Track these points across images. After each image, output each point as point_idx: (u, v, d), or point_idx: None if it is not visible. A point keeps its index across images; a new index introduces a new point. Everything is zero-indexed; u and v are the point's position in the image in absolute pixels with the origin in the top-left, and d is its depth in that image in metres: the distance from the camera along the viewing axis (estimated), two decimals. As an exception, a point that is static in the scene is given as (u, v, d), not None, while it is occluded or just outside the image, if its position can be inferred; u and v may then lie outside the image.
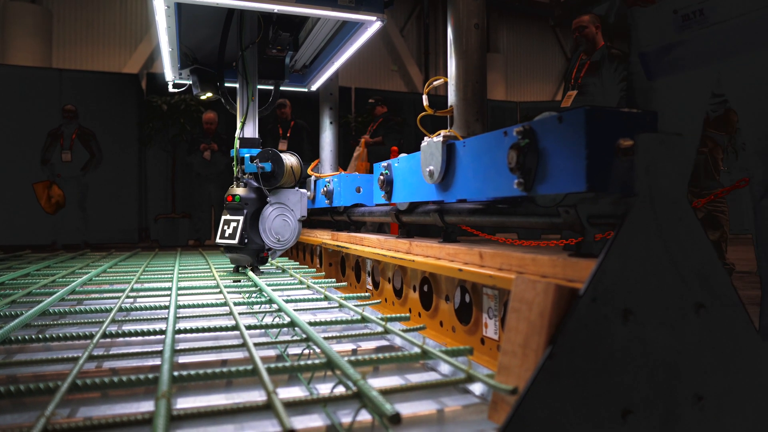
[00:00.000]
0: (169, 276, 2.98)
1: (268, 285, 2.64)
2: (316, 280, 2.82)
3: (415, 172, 2.02)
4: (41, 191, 8.01)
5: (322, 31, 2.87)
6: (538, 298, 1.09)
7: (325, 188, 3.26)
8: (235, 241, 2.62)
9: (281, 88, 3.31)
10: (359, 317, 1.82)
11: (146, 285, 2.71)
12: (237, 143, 2.75)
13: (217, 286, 2.56)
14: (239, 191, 2.68)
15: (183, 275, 3.00)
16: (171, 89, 3.36)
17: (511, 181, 1.39)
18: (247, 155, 2.69)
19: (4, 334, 1.51)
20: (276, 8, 2.16)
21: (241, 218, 2.63)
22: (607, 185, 1.18)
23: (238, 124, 2.78)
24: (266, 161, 2.65)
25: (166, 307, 2.03)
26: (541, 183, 1.31)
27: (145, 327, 1.65)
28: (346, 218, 3.19)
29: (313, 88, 3.65)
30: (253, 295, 2.42)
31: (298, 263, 3.70)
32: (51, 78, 9.37)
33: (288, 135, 7.49)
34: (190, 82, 3.14)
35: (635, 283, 1.10)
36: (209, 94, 3.02)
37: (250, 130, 2.80)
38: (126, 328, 1.79)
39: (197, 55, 3.15)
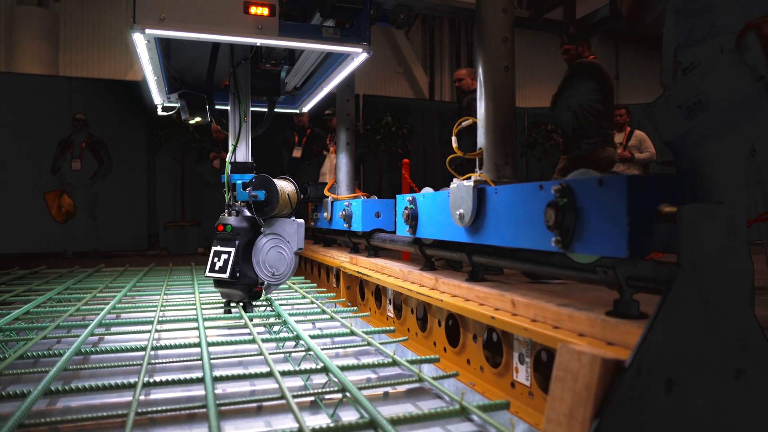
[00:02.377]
0: (191, 302, 3.01)
1: (291, 315, 2.66)
2: (339, 309, 2.84)
3: (442, 210, 2.04)
4: (52, 200, 8.07)
5: (312, 56, 2.83)
6: (583, 370, 1.10)
7: (343, 212, 3.28)
8: (226, 275, 2.46)
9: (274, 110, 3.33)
10: (390, 360, 1.84)
11: (170, 311, 2.74)
12: (228, 168, 2.62)
13: (241, 317, 2.59)
14: (231, 220, 2.54)
15: (204, 301, 3.03)
16: (160, 113, 3.32)
17: (548, 236, 1.40)
18: (239, 181, 2.55)
19: (45, 387, 1.53)
20: (259, 42, 2.08)
21: (232, 250, 2.47)
22: (648, 251, 1.20)
23: (230, 148, 2.65)
24: (260, 189, 2.50)
25: (197, 344, 2.05)
26: (579, 242, 1.32)
27: (180, 376, 1.67)
28: (365, 241, 3.21)
29: (305, 109, 3.66)
30: (280, 329, 2.44)
31: (315, 285, 3.73)
32: (60, 86, 9.40)
33: (303, 142, 7.52)
34: (179, 106, 3.09)
35: (678, 352, 1.11)
36: (198, 119, 3.00)
37: (243, 154, 2.67)
38: (161, 377, 1.81)
39: (185, 78, 3.07)
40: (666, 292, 1.11)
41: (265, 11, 1.97)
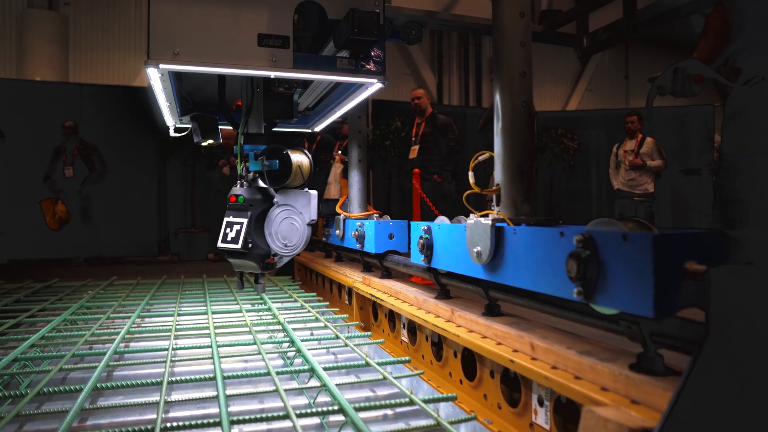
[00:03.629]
0: (205, 323, 3.00)
1: (305, 341, 2.65)
2: (352, 334, 2.83)
3: (458, 244, 2.02)
4: (47, 208, 8.18)
5: (325, 81, 2.77)
6: (610, 437, 1.08)
7: (356, 231, 3.26)
8: (238, 246, 2.39)
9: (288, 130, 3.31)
10: (407, 399, 1.82)
11: (184, 333, 2.74)
12: (240, 139, 2.55)
13: (254, 343, 2.58)
14: (243, 191, 2.48)
15: (218, 323, 3.03)
16: (172, 134, 3.29)
17: (569, 285, 1.38)
18: (251, 152, 2.51)
19: (68, 425, 1.53)
20: (273, 74, 2.06)
21: (245, 220, 2.41)
22: (675, 310, 1.17)
23: (243, 116, 2.57)
24: (273, 158, 2.46)
25: (213, 378, 2.04)
26: (602, 295, 1.30)
27: (196, 412, 1.66)
28: (377, 262, 3.19)
29: (317, 129, 3.64)
30: (294, 356, 2.43)
31: (328, 303, 3.72)
32: (71, 93, 9.46)
33: (313, 149, 7.52)
34: (191, 128, 3.04)
35: (705, 421, 1.09)
36: (210, 141, 2.97)
37: (255, 125, 2.58)
38: (179, 413, 1.80)
39: (196, 99, 3.03)
40: (695, 357, 1.09)
41: (279, 43, 1.96)
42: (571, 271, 1.34)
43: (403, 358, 2.38)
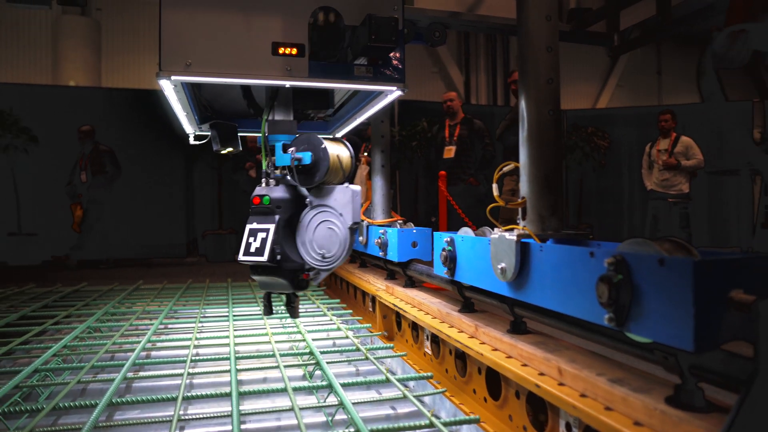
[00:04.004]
0: (225, 332, 2.97)
1: (325, 353, 2.59)
2: (375, 345, 2.76)
3: (482, 258, 1.93)
4: (73, 211, 8.39)
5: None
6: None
7: (379, 240, 3.19)
8: (264, 258, 1.94)
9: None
10: (428, 422, 1.75)
11: (205, 341, 2.71)
12: (265, 127, 2.14)
13: (273, 354, 2.52)
14: (269, 191, 2.06)
15: (238, 331, 2.99)
16: (192, 142, 3.18)
17: (600, 310, 1.28)
18: (278, 143, 2.09)
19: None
20: (288, 83, 1.90)
21: (271, 227, 1.97)
22: (718, 343, 1.07)
23: (268, 102, 2.19)
24: (304, 150, 2.01)
25: (228, 395, 1.99)
26: (636, 323, 1.20)
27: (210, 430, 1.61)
28: (401, 270, 3.12)
29: (339, 134, 3.56)
30: (314, 371, 2.38)
31: (351, 311, 3.66)
32: (100, 97, 9.61)
33: None
34: (210, 135, 2.85)
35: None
36: (230, 149, 2.88)
37: (283, 110, 2.18)
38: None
39: (215, 106, 2.87)
40: (743, 396, 0.99)
41: (294, 51, 1.89)
42: (602, 297, 1.25)
43: (425, 374, 2.30)
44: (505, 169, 1.81)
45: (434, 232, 2.34)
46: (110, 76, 12.54)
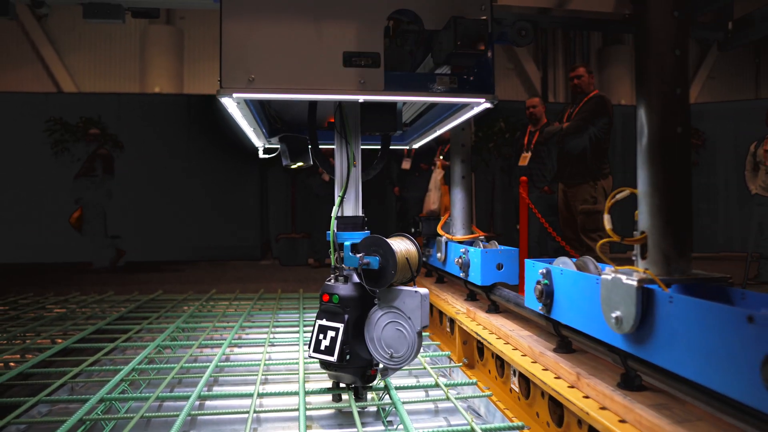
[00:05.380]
0: (294, 358, 2.80)
1: (399, 389, 2.37)
2: (455, 381, 2.51)
3: (587, 299, 1.64)
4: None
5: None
6: None
7: (460, 259, 2.93)
8: (333, 358, 2.03)
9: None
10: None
11: (273, 372, 2.55)
12: (333, 224, 2.18)
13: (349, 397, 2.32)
14: (338, 289, 2.09)
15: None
16: (261, 155, 3.05)
17: (762, 394, 0.98)
18: (347, 242, 2.09)
19: None
20: (362, 98, 1.76)
21: (341, 326, 2.04)
22: None
23: (336, 199, 2.21)
24: (372, 254, 2.00)
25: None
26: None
27: None
28: (483, 292, 2.85)
29: (415, 146, 3.31)
30: (388, 411, 2.16)
31: (428, 333, 3.42)
32: (181, 103, 9.86)
33: (412, 154, 7.31)
34: (280, 149, 2.75)
35: None
36: (300, 164, 2.71)
37: (352, 206, 2.21)
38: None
39: (285, 118, 2.77)
40: None
41: (368, 62, 1.67)
42: (772, 382, 0.94)
43: (517, 424, 2.02)
44: (619, 196, 1.51)
45: (526, 260, 2.06)
46: (192, 82, 12.96)
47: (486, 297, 2.80)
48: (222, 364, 2.74)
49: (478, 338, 2.59)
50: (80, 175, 8.13)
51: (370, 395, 2.31)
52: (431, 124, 2.37)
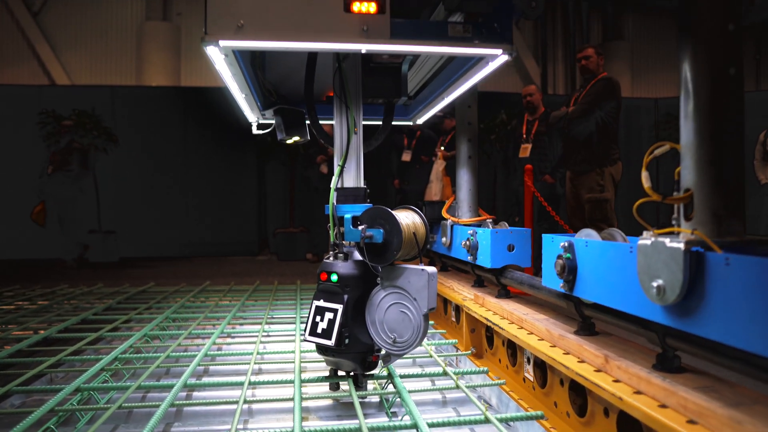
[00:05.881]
0: (290, 352, 2.61)
1: (404, 377, 2.18)
2: (463, 370, 2.33)
3: (618, 271, 1.46)
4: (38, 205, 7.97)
5: (430, 60, 2.28)
6: None
7: (467, 241, 2.75)
8: (331, 342, 1.84)
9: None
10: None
11: (266, 361, 2.37)
12: (333, 196, 1.99)
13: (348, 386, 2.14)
14: (338, 267, 1.90)
15: (306, 345, 2.63)
16: (255, 131, 2.86)
17: None
18: (348, 215, 1.89)
19: None
20: (365, 48, 1.60)
21: (339, 308, 1.85)
22: None
23: (336, 169, 2.03)
24: (376, 227, 1.81)
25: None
26: None
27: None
28: (492, 277, 2.67)
29: (419, 121, 3.12)
30: (392, 400, 1.98)
31: (433, 322, 3.23)
32: (177, 95, 9.69)
33: (413, 145, 7.10)
34: (274, 123, 2.57)
35: None
36: (296, 138, 2.53)
37: (353, 176, 2.03)
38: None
39: (282, 91, 2.60)
40: None
41: (372, 8, 1.49)
42: None
43: (534, 413, 1.84)
44: (657, 151, 1.33)
45: (544, 234, 1.88)
46: (189, 78, 12.78)
47: (496, 281, 2.62)
48: (212, 353, 2.56)
49: (488, 324, 2.41)
50: (56, 169, 7.91)
51: (371, 385, 2.13)
52: (439, 91, 2.18)
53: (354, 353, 1.90)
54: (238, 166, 9.26)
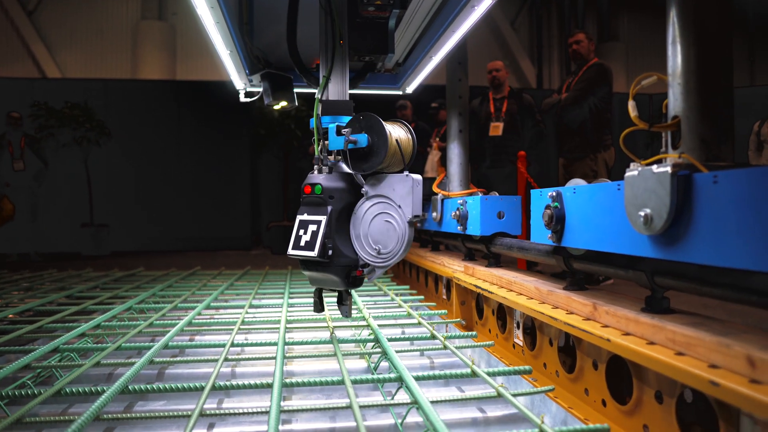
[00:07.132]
0: (277, 317, 2.57)
1: (392, 340, 2.14)
2: (452, 333, 2.29)
3: (605, 211, 1.43)
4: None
5: (417, 16, 2.22)
6: None
7: (456, 212, 2.72)
8: (314, 253, 1.77)
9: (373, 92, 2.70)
10: (537, 429, 1.26)
11: (251, 327, 2.32)
12: (317, 107, 1.89)
13: (331, 341, 2.10)
14: (320, 179, 1.84)
15: (292, 316, 2.59)
16: (242, 99, 2.79)
17: None
18: (332, 125, 1.83)
19: None
20: None
21: (323, 219, 1.79)
22: None
23: (321, 80, 1.93)
24: (360, 132, 1.77)
25: (270, 386, 1.58)
26: None
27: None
28: (482, 247, 2.63)
29: (408, 90, 3.07)
30: (379, 361, 1.93)
31: (423, 297, 3.19)
32: (170, 89, 9.64)
33: None
34: (262, 89, 2.48)
35: None
36: (283, 103, 2.48)
37: (338, 89, 1.93)
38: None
39: (271, 58, 2.53)
40: None
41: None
42: None
43: (520, 368, 1.81)
44: (645, 81, 1.29)
45: (532, 190, 1.84)
46: (184, 77, 12.75)
47: (486, 250, 2.58)
48: (197, 321, 2.51)
49: (478, 291, 2.37)
50: (45, 166, 7.89)
51: (356, 347, 2.09)
52: (426, 50, 2.14)
53: (337, 266, 1.84)
54: (232, 160, 9.22)
